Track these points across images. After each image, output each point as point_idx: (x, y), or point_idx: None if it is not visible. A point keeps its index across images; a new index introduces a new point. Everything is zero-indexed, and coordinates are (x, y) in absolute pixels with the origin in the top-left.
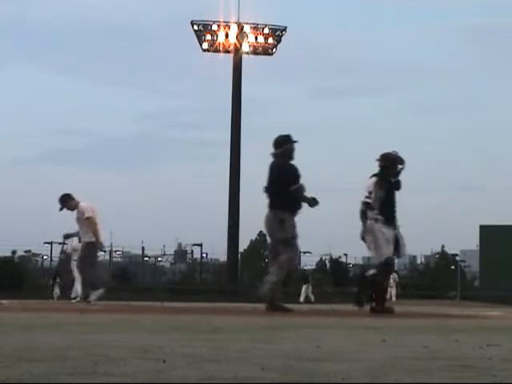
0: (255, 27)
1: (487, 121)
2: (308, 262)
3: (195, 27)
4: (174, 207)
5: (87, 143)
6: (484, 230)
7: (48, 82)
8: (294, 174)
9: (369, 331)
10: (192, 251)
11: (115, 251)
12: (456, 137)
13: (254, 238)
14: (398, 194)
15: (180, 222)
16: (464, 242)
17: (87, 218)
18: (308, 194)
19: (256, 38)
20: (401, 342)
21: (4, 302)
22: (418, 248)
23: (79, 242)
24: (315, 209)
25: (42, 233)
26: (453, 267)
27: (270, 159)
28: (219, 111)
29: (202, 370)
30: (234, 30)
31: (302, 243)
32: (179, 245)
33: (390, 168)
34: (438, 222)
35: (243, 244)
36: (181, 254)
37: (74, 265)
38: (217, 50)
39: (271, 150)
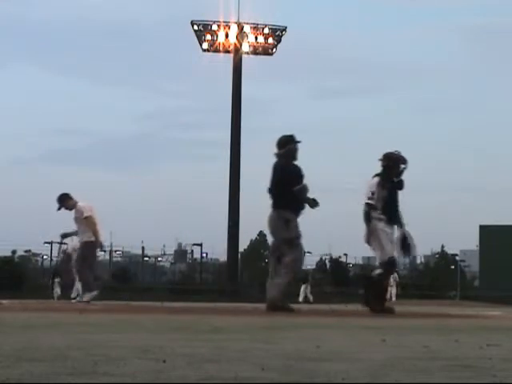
0: (255, 27)
1: (487, 121)
2: (308, 262)
3: (195, 27)
4: (174, 207)
5: (87, 143)
6: (484, 230)
7: (48, 82)
8: (298, 175)
9: (369, 331)
10: (192, 251)
11: (115, 251)
12: (456, 137)
13: (253, 238)
14: (400, 194)
15: (180, 222)
16: (464, 242)
17: (86, 218)
18: (310, 194)
19: (256, 38)
20: (401, 342)
21: (4, 301)
22: (418, 248)
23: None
24: (315, 210)
25: (42, 233)
26: (453, 267)
27: (272, 159)
28: (219, 111)
29: (202, 369)
30: (233, 30)
31: (302, 243)
32: (179, 245)
33: (392, 168)
34: (438, 221)
35: (243, 244)
36: (181, 253)
37: (74, 264)
38: (217, 50)
39: (274, 150)
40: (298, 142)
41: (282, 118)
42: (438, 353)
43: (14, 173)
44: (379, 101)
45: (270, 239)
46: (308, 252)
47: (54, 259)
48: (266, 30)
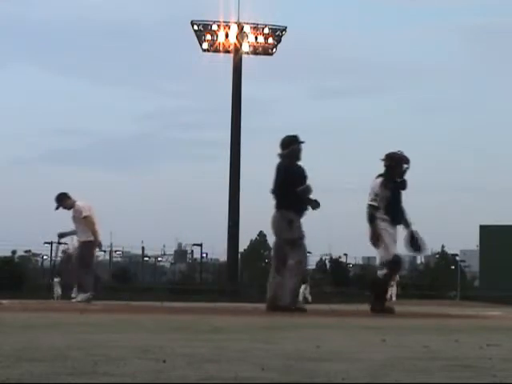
0: (255, 27)
1: (487, 121)
2: (308, 262)
3: (195, 27)
4: (174, 207)
5: (87, 143)
6: (484, 230)
7: (48, 82)
8: (301, 175)
9: (369, 331)
10: (192, 251)
11: (115, 251)
12: (456, 137)
13: (253, 238)
14: (403, 194)
15: (180, 222)
16: (464, 242)
17: (85, 217)
18: (312, 194)
19: (256, 38)
20: (401, 342)
21: (4, 301)
22: None
23: None
24: (316, 211)
25: (42, 233)
26: (453, 267)
27: (272, 159)
28: (219, 111)
29: (202, 369)
30: (233, 30)
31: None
32: (179, 245)
33: (395, 167)
34: (438, 221)
35: (243, 244)
36: (181, 254)
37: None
38: (217, 50)
39: (276, 150)
40: (302, 142)
41: (282, 117)
42: (437, 353)
43: (14, 173)
44: (379, 101)
45: (271, 239)
46: (308, 252)
47: (56, 259)
48: (266, 30)
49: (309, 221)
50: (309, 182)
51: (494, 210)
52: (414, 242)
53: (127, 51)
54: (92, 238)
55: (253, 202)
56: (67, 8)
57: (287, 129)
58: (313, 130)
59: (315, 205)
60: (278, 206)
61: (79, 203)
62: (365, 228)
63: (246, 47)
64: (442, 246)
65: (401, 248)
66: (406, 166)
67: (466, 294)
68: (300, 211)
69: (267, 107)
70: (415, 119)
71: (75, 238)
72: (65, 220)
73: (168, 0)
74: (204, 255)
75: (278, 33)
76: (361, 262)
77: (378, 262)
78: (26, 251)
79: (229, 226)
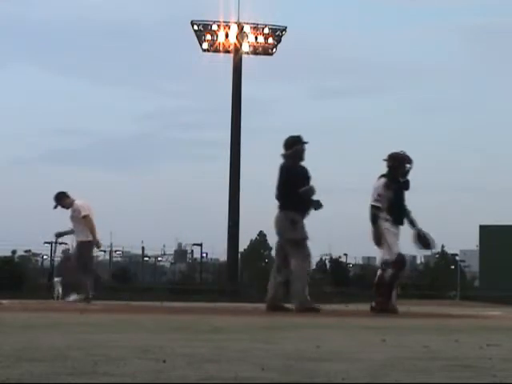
0: (255, 27)
1: (487, 121)
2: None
3: (195, 27)
4: (174, 207)
5: (87, 143)
6: (484, 230)
7: (48, 82)
8: (304, 176)
9: (369, 331)
10: (192, 251)
11: (115, 251)
12: (456, 137)
13: (254, 238)
14: (406, 194)
15: (180, 222)
16: (464, 242)
17: (84, 217)
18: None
19: (256, 38)
20: (401, 342)
21: (4, 301)
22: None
23: None
24: (318, 211)
25: (42, 233)
26: (453, 267)
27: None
28: (219, 111)
29: (202, 369)
30: (234, 30)
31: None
32: (179, 245)
33: (398, 168)
34: (438, 221)
35: (243, 244)
36: (181, 253)
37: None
38: (217, 50)
39: (279, 150)
40: (305, 142)
41: (282, 118)
42: (438, 353)
43: (14, 173)
44: (379, 101)
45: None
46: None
47: (54, 259)
48: (266, 30)
49: (309, 221)
50: (311, 182)
51: (494, 210)
52: (422, 239)
53: (127, 51)
54: (90, 238)
55: (253, 202)
56: (67, 8)
57: (287, 129)
58: (313, 129)
59: (318, 205)
60: (282, 207)
61: (78, 202)
62: (366, 228)
63: (246, 47)
64: (442, 246)
65: (402, 248)
66: (408, 166)
67: (466, 294)
68: (303, 212)
69: (267, 107)
70: (415, 119)
71: (75, 238)
72: (65, 220)
73: (168, 0)
74: (204, 255)
75: (278, 33)
76: (361, 262)
77: (378, 261)
78: (25, 251)
79: (229, 226)
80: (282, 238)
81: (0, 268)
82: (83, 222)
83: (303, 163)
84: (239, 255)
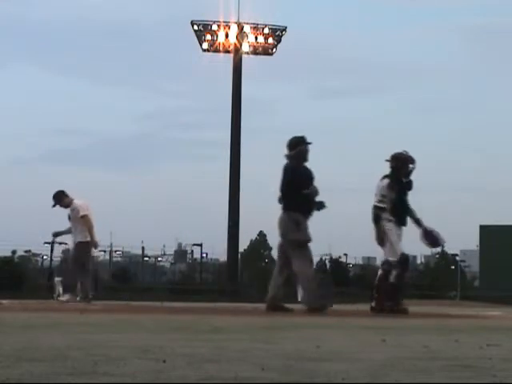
0: (255, 27)
1: (487, 121)
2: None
3: (195, 27)
4: (174, 207)
5: (87, 143)
6: (484, 230)
7: (48, 82)
8: (308, 177)
9: (369, 331)
10: (192, 251)
11: (115, 251)
12: (456, 137)
13: (254, 238)
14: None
15: (180, 222)
16: (464, 242)
17: (82, 217)
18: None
19: (256, 37)
20: (401, 342)
21: (4, 301)
22: (418, 248)
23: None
24: (321, 212)
25: (42, 233)
26: (453, 267)
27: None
28: (219, 111)
29: (202, 369)
30: (234, 30)
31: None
32: (179, 245)
33: (401, 168)
34: (438, 221)
35: (243, 244)
36: (181, 254)
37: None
38: (217, 50)
39: (281, 150)
40: (309, 143)
41: (282, 117)
42: (438, 353)
43: (14, 173)
44: (379, 101)
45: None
46: None
47: (54, 259)
48: (266, 30)
49: (309, 220)
50: (314, 183)
51: (494, 210)
52: (430, 237)
53: (127, 51)
54: (88, 239)
55: (253, 202)
56: (67, 8)
57: (287, 129)
58: (313, 129)
59: (320, 206)
60: (285, 208)
61: (77, 202)
62: (366, 228)
63: (246, 47)
64: (442, 246)
65: (403, 248)
66: (411, 166)
67: (466, 294)
68: (307, 213)
69: (267, 107)
70: (415, 119)
71: (73, 238)
72: (65, 219)
73: (168, 0)
74: (204, 255)
75: (278, 33)
76: (361, 262)
77: (378, 261)
78: (25, 251)
79: (229, 226)
80: (285, 238)
81: (0, 268)
82: (82, 221)
83: (307, 164)
84: (239, 255)
